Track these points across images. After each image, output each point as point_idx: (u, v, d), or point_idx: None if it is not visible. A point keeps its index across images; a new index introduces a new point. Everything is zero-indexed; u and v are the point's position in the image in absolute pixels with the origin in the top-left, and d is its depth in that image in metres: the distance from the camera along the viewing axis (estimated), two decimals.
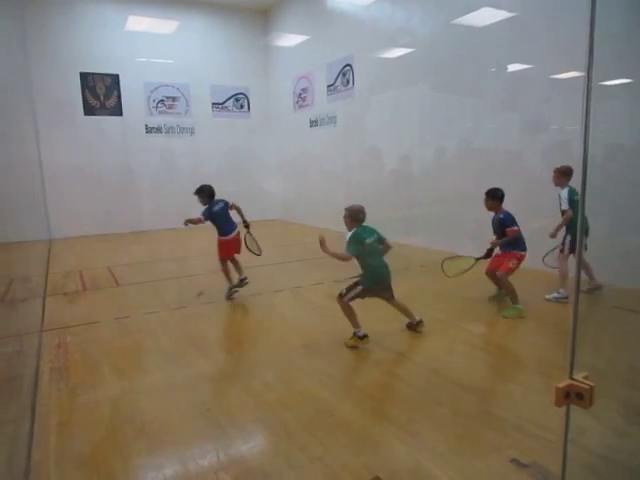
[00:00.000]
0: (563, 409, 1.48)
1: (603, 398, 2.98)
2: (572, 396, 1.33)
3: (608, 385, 3.44)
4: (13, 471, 2.38)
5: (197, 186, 6.22)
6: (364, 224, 4.45)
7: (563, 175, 5.40)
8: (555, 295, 5.52)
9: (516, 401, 3.21)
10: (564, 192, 5.36)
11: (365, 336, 4.26)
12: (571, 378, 1.34)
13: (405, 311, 4.61)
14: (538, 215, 6.71)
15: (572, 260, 5.75)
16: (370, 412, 3.12)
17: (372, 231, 4.44)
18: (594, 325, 4.44)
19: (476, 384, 3.48)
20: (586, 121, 1.60)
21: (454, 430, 2.91)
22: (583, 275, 5.70)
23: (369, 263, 4.38)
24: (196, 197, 6.13)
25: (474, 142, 8.05)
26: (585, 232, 5.16)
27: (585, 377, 1.34)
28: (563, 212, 5.39)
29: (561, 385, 1.33)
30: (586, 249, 5.23)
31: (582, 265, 5.43)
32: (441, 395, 3.35)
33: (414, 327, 4.58)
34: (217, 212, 6.09)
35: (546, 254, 5.84)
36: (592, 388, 1.30)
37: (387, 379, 3.60)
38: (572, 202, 5.29)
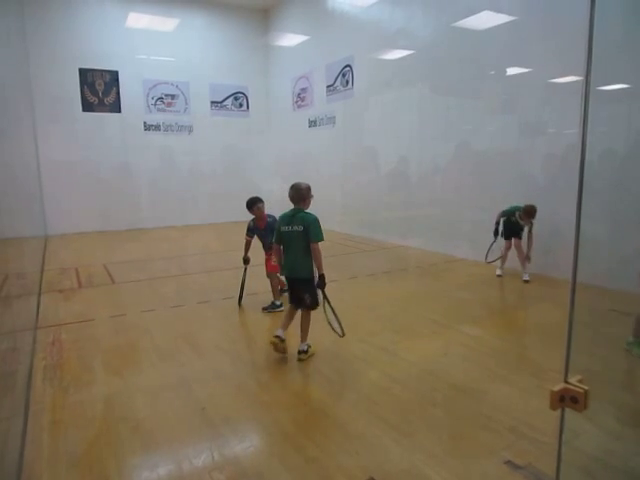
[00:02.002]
0: (558, 411, 1.48)
1: (598, 401, 2.99)
2: (567, 400, 1.33)
3: (603, 388, 3.45)
4: (5, 469, 2.36)
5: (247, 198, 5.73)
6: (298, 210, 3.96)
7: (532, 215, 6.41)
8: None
9: (511, 403, 3.21)
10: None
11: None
12: (566, 382, 1.34)
13: (305, 331, 4.06)
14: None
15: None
16: (365, 413, 3.12)
17: (297, 219, 3.90)
18: (590, 328, 4.45)
19: (471, 386, 3.49)
20: (584, 125, 1.60)
21: (449, 431, 2.91)
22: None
23: (285, 252, 4.03)
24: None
25: (472, 144, 8.06)
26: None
27: (580, 381, 1.34)
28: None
29: (556, 389, 1.34)
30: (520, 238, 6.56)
31: (520, 252, 6.58)
32: (436, 396, 3.35)
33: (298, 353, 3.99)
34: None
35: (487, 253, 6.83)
36: (586, 392, 1.30)
37: (382, 380, 3.60)
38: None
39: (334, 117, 11.76)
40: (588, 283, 5.22)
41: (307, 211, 3.98)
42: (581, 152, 1.63)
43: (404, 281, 7.07)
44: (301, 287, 3.96)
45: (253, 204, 5.54)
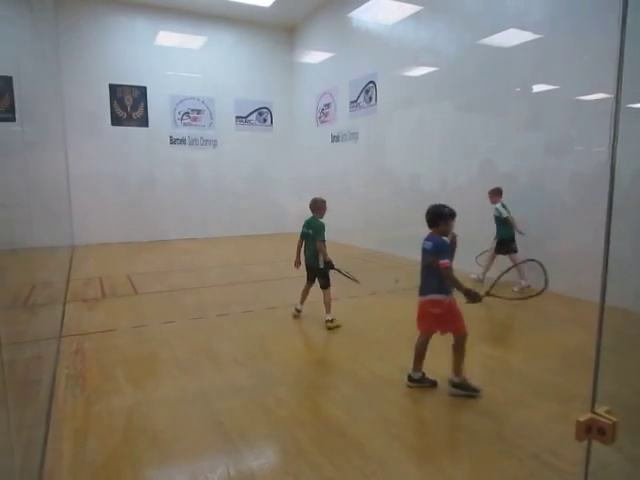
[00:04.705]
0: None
1: (627, 431, 2.88)
2: (594, 431, 1.28)
3: (632, 416, 3.32)
4: (26, 477, 2.39)
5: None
6: (313, 217, 5.43)
7: (498, 194, 7.08)
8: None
9: (534, 429, 3.12)
10: (499, 205, 7.01)
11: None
12: (593, 412, 1.29)
13: (327, 305, 5.38)
14: (559, 236, 6.59)
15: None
16: (384, 433, 3.06)
17: (309, 224, 5.41)
18: (618, 353, 4.30)
19: (493, 409, 3.40)
20: (613, 143, 1.57)
21: (469, 456, 2.83)
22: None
23: (304, 248, 5.47)
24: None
25: (496, 162, 7.98)
26: (512, 238, 6.95)
27: (607, 411, 1.29)
28: (504, 219, 6.94)
29: (582, 419, 1.29)
30: (516, 251, 6.89)
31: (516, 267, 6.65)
32: (457, 419, 3.28)
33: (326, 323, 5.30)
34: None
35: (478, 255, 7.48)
36: (615, 424, 1.25)
37: (402, 401, 3.54)
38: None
39: (357, 133, 11.81)
40: (615, 306, 5.07)
41: (319, 219, 5.40)
42: (610, 170, 1.59)
43: None
44: (315, 273, 5.41)
45: (452, 216, 3.91)
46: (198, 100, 13.52)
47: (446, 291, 3.70)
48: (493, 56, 7.82)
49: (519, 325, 5.86)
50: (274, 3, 12.19)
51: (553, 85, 6.95)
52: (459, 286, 3.61)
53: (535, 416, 3.31)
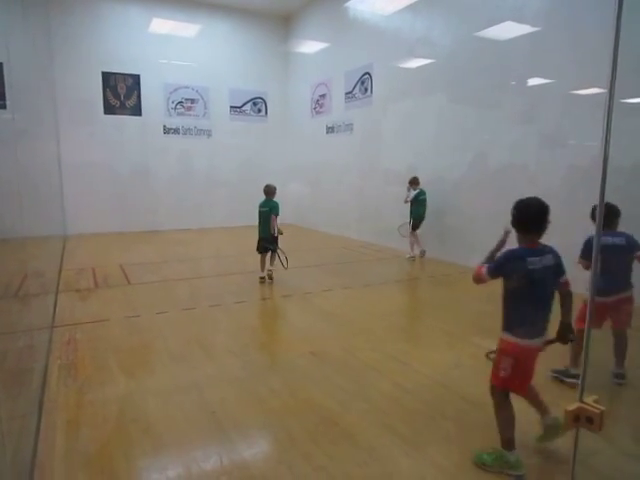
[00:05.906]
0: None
1: (614, 419, 2.92)
2: (582, 419, 1.30)
3: (620, 407, 3.37)
4: (18, 467, 2.39)
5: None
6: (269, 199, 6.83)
7: (414, 183, 8.86)
8: (408, 256, 8.95)
9: (524, 419, 3.15)
10: (413, 192, 8.83)
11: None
12: (581, 401, 1.31)
13: (271, 261, 6.89)
14: (552, 229, 6.61)
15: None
16: (375, 423, 3.09)
17: (268, 204, 6.81)
18: (608, 346, 4.35)
19: (483, 399, 3.42)
20: (606, 137, 1.58)
21: (459, 445, 2.87)
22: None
23: (260, 223, 6.87)
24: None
25: (490, 154, 7.99)
26: (420, 219, 8.83)
27: (595, 401, 1.31)
28: (408, 201, 8.89)
29: (571, 408, 1.31)
30: (417, 228, 8.88)
31: (413, 236, 8.91)
32: (447, 409, 3.31)
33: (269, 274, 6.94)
34: None
35: (399, 226, 9.03)
36: (602, 412, 1.27)
37: (393, 390, 3.57)
38: (416, 199, 8.82)
39: (352, 124, 11.78)
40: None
41: (274, 199, 6.84)
42: (603, 165, 1.60)
43: (417, 290, 7.02)
44: (268, 241, 6.76)
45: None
46: (192, 89, 13.42)
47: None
48: (489, 49, 7.80)
49: None
50: None
51: (548, 79, 6.95)
52: None
53: (525, 406, 3.34)
